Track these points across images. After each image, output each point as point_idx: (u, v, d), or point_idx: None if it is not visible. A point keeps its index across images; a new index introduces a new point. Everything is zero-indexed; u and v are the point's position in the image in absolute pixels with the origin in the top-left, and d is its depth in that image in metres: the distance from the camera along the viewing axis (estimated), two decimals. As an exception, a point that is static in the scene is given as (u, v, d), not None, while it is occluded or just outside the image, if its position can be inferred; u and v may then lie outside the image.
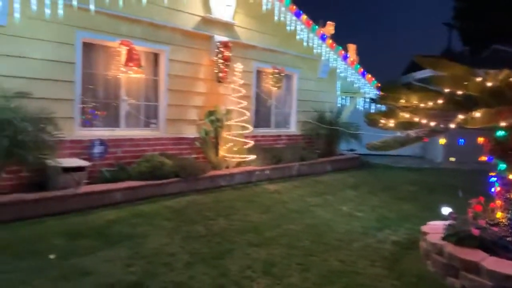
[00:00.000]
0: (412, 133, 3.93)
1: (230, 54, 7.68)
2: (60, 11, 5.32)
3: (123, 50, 6.37)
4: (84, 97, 6.24)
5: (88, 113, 6.39)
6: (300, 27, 8.82)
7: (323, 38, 9.50)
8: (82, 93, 6.18)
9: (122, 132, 6.70)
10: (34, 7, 5.06)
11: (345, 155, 10.63)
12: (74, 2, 5.33)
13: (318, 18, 9.48)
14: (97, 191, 5.55)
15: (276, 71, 9.05)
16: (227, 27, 7.89)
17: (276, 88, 9.20)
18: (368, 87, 11.25)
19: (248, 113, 7.85)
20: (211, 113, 7.55)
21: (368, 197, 6.91)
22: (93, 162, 6.02)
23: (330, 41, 9.72)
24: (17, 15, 5.09)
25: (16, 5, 4.98)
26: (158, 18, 6.80)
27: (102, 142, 6.29)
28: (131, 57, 6.43)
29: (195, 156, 7.49)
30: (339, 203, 6.34)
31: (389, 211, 6.01)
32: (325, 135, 9.87)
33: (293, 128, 9.99)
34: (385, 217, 5.67)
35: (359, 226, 5.15)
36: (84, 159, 5.92)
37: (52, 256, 3.72)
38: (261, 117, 9.29)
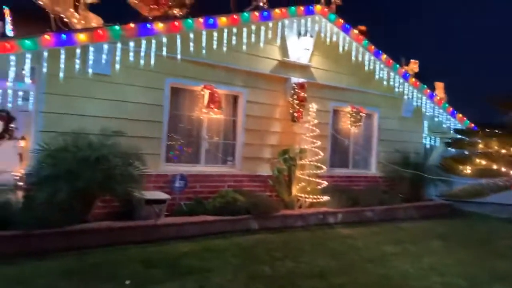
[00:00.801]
0: (499, 181, 3.51)
1: (306, 95, 7.82)
2: (152, 61, 6.06)
3: (206, 93, 6.93)
4: (170, 135, 6.86)
5: (173, 150, 6.98)
6: (379, 66, 8.65)
7: (405, 76, 9.16)
8: (168, 131, 6.81)
9: (201, 168, 7.13)
10: (131, 58, 5.88)
11: (433, 201, 9.73)
12: (164, 53, 6.03)
13: (408, 57, 9.22)
14: (174, 223, 5.91)
15: (354, 110, 8.91)
16: (303, 69, 8.11)
17: (354, 128, 9.01)
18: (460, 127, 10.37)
19: (321, 153, 7.77)
20: (285, 152, 7.66)
21: (456, 250, 6.18)
22: (173, 196, 6.47)
23: (414, 79, 9.32)
24: (117, 66, 5.95)
25: (117, 58, 5.82)
26: (237, 63, 7.30)
27: (183, 177, 6.73)
28: (212, 100, 6.96)
29: (268, 194, 7.59)
30: (420, 254, 5.78)
31: (480, 268, 5.28)
32: (409, 178, 9.20)
33: (373, 170, 9.56)
34: (474, 275, 4.99)
35: (440, 283, 4.61)
36: (167, 192, 6.39)
37: (127, 282, 4.03)
38: (338, 157, 9.10)
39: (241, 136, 7.55)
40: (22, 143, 8.97)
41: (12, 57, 5.11)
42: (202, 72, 6.93)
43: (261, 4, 7.68)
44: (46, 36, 5.22)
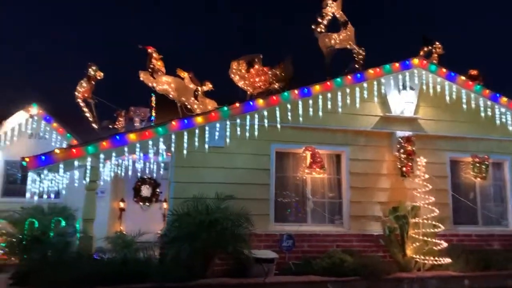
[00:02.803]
0: None
1: (414, 148, 7.53)
2: (256, 132, 6.89)
3: (307, 155, 7.34)
4: (277, 196, 7.38)
5: (280, 210, 7.44)
6: (500, 110, 7.82)
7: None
8: (276, 193, 7.34)
9: (308, 227, 7.36)
10: (238, 132, 6.83)
11: None
12: (265, 124, 6.82)
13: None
14: (280, 282, 6.18)
15: (477, 160, 8.06)
16: (408, 122, 7.90)
17: (480, 179, 8.09)
18: None
19: (437, 210, 7.17)
20: (395, 209, 7.33)
21: None
22: (283, 255, 6.80)
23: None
24: (229, 138, 6.94)
25: (227, 133, 6.88)
26: (336, 124, 7.60)
27: (291, 236, 7.03)
28: (314, 160, 7.32)
29: (380, 254, 7.26)
30: None
31: None
32: None
33: (511, 226, 8.23)
34: None
35: None
36: (276, 251, 6.76)
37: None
38: (463, 212, 8.18)
39: (347, 194, 7.59)
40: (165, 205, 10.68)
41: (150, 142, 6.53)
42: (303, 135, 7.43)
43: (356, 66, 8.01)
44: (173, 123, 6.58)
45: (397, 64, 7.75)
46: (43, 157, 5.96)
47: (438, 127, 8.09)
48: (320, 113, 7.32)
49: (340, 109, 7.47)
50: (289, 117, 7.11)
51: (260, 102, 6.97)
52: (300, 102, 7.21)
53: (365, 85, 7.64)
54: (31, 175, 6.13)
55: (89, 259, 6.06)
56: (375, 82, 7.75)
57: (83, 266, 5.58)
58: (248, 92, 8.38)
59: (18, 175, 9.33)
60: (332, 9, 7.94)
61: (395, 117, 7.83)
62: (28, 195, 6.21)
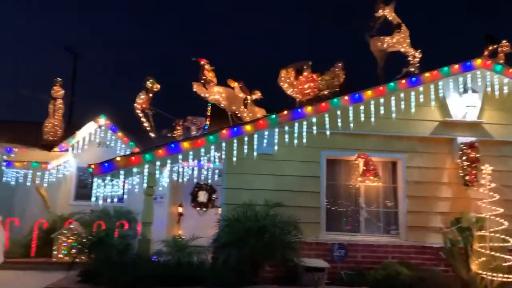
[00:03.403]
0: None
1: (478, 155, 6.98)
2: (304, 139, 6.87)
3: (360, 162, 7.13)
4: (328, 205, 7.26)
5: (332, 219, 7.30)
6: None
7: None
8: (327, 201, 7.22)
9: (361, 237, 7.13)
10: (286, 140, 6.87)
11: None
12: (314, 131, 6.76)
13: None
14: (331, 293, 6.05)
15: (557, 167, 7.24)
16: (471, 126, 7.34)
17: None
18: None
19: (506, 222, 6.53)
20: (458, 220, 6.81)
21: None
22: (334, 264, 6.66)
23: None
24: (278, 146, 6.99)
25: (275, 140, 6.95)
26: (391, 130, 7.30)
27: (343, 245, 6.87)
28: (368, 168, 7.08)
29: (441, 268, 6.79)
30: None
31: None
32: None
33: None
34: None
35: None
36: (328, 260, 6.64)
37: None
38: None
39: (403, 204, 7.24)
40: (220, 211, 11.00)
41: (202, 149, 6.81)
42: (354, 142, 7.24)
43: (412, 69, 7.64)
44: (224, 131, 6.80)
45: (456, 66, 7.26)
46: (106, 164, 6.48)
47: (506, 132, 7.41)
48: (373, 119, 7.09)
49: (394, 115, 7.18)
50: (339, 124, 6.98)
51: (309, 109, 6.94)
52: (350, 108, 7.05)
53: (421, 89, 7.26)
54: (96, 181, 6.67)
55: (147, 261, 6.42)
56: (431, 86, 7.33)
57: (141, 268, 5.95)
58: (297, 100, 8.37)
59: (89, 180, 10.20)
60: (385, 12, 7.68)
61: (456, 122, 7.33)
62: (93, 199, 6.75)
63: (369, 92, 7.07)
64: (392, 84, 7.18)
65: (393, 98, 7.20)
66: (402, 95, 7.20)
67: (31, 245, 8.51)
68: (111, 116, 10.75)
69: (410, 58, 7.74)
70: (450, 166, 7.31)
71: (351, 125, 7.02)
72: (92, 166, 6.49)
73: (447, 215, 7.10)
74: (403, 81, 7.19)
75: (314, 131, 6.98)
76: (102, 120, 10.65)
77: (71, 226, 8.40)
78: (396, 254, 6.92)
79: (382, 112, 7.17)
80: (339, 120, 7.00)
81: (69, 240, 8.26)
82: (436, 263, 6.87)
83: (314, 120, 6.97)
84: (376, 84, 7.31)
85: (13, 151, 10.00)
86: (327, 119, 7.02)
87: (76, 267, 6.34)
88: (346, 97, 7.03)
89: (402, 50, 7.75)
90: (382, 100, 7.15)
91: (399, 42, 7.67)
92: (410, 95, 7.25)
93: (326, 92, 8.16)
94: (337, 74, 8.24)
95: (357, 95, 7.02)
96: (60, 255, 8.25)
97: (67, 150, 10.39)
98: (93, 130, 10.68)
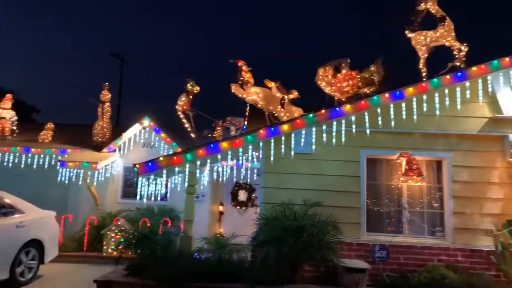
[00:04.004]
0: None
1: (533, 153, 6.53)
2: (343, 139, 6.77)
3: (403, 161, 6.91)
4: (369, 205, 7.10)
5: (373, 219, 7.14)
6: None
7: None
8: (367, 201, 7.06)
9: (404, 239, 6.90)
10: (324, 139, 6.79)
11: None
12: (353, 129, 6.64)
13: None
14: (372, 295, 5.92)
15: None
16: (526, 122, 6.87)
17: None
18: None
19: None
20: (510, 223, 6.44)
21: None
22: (374, 266, 6.51)
23: None
24: (317, 145, 6.95)
25: (313, 139, 6.91)
26: (435, 127, 7.01)
27: (384, 247, 6.70)
28: (410, 167, 6.84)
29: (492, 273, 6.43)
30: None
31: None
32: None
33: None
34: None
35: None
36: (369, 261, 6.51)
37: None
38: None
39: (449, 205, 6.92)
40: (259, 210, 11.11)
41: (240, 149, 6.92)
42: (396, 140, 7.03)
43: (457, 63, 7.28)
44: (261, 131, 6.86)
45: (507, 59, 6.82)
46: (150, 164, 6.78)
47: None
48: (415, 117, 6.84)
49: (438, 112, 6.89)
50: (380, 122, 6.81)
51: (348, 107, 6.83)
52: (391, 106, 6.85)
53: (467, 84, 6.91)
54: (141, 180, 7.00)
55: (189, 257, 6.63)
56: (479, 80, 6.95)
57: (183, 263, 6.14)
58: (336, 98, 8.24)
59: (134, 179, 10.70)
60: (427, 5, 7.36)
61: (507, 118, 6.89)
62: (138, 197, 7.09)
63: (410, 89, 6.83)
64: (435, 80, 6.88)
65: (436, 94, 6.90)
66: (446, 91, 6.89)
67: (83, 240, 9.08)
68: (154, 117, 11.21)
69: (455, 52, 7.37)
70: (501, 165, 6.89)
71: (392, 123, 6.82)
72: (137, 166, 6.81)
73: (498, 217, 6.72)
74: (448, 76, 6.87)
75: (353, 130, 6.86)
76: (146, 122, 11.13)
77: (119, 223, 8.86)
78: (442, 257, 6.64)
79: (425, 109, 6.90)
80: (379, 118, 6.83)
81: (117, 236, 8.72)
82: (486, 267, 6.51)
83: (353, 118, 6.86)
84: (418, 80, 7.06)
85: (66, 151, 10.73)
86: (366, 117, 6.87)
87: (123, 261, 6.67)
88: (386, 94, 6.83)
89: (446, 44, 7.39)
90: (425, 97, 6.88)
91: (443, 36, 7.32)
92: (455, 91, 6.91)
93: (365, 90, 7.98)
94: (376, 71, 8.01)
95: (398, 92, 6.80)
96: (109, 250, 8.73)
97: (114, 151, 10.97)
98: (138, 132, 11.20)
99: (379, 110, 6.84)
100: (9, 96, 12.39)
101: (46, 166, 10.62)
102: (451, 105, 6.95)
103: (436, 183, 7.17)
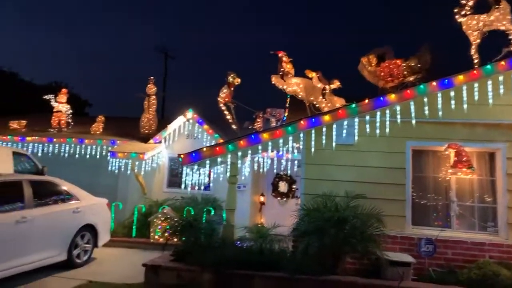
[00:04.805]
0: None
1: None
2: (387, 129, 6.58)
3: (451, 153, 6.62)
4: (414, 197, 6.87)
5: (419, 212, 6.91)
6: None
7: None
8: (413, 194, 6.84)
9: (452, 233, 6.62)
10: (367, 129, 6.65)
11: None
12: (398, 120, 6.43)
13: None
14: (416, 289, 5.77)
15: None
16: None
17: None
18: None
19: None
20: None
21: None
22: (420, 260, 6.33)
23: None
24: (359, 136, 6.82)
25: (356, 130, 6.79)
26: (487, 117, 6.60)
27: (430, 241, 6.47)
28: (459, 159, 6.54)
29: (552, 272, 6.01)
30: None
31: None
32: None
33: None
34: None
35: None
36: (414, 255, 6.33)
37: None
38: None
39: (504, 199, 6.53)
40: (299, 201, 11.12)
41: (280, 140, 6.95)
42: (444, 131, 6.72)
43: (512, 48, 6.79)
44: (301, 122, 6.84)
45: None
46: (193, 154, 7.01)
47: None
48: (465, 106, 6.49)
49: (491, 101, 6.49)
50: (426, 112, 6.54)
51: (392, 97, 6.61)
52: (439, 95, 6.55)
53: (525, 69, 6.44)
54: (185, 170, 7.25)
55: (231, 245, 6.81)
56: (540, 65, 6.45)
57: (226, 251, 6.34)
58: (380, 87, 7.99)
59: (179, 169, 11.10)
60: None
61: None
62: (183, 186, 7.35)
63: (460, 77, 6.47)
64: (488, 66, 6.47)
65: (489, 82, 6.49)
66: (501, 78, 6.46)
67: (132, 226, 9.59)
68: (198, 110, 11.50)
69: (511, 37, 6.87)
70: None
71: (440, 113, 6.52)
72: (182, 156, 7.06)
73: (559, 213, 6.25)
74: (503, 62, 6.43)
75: (398, 120, 6.65)
76: (190, 114, 11.45)
77: (165, 211, 9.25)
78: (494, 253, 6.31)
79: (476, 98, 6.53)
80: (426, 108, 6.56)
81: (163, 224, 9.12)
82: (544, 266, 6.10)
83: (398, 108, 6.63)
84: (466, 68, 6.68)
85: (116, 143, 11.31)
86: (412, 107, 6.63)
87: (169, 247, 6.99)
88: (434, 83, 6.53)
89: (501, 28, 6.89)
90: (476, 85, 6.50)
91: (497, 19, 6.83)
92: (511, 78, 6.47)
93: (411, 78, 7.66)
94: (423, 58, 7.66)
95: (447, 80, 6.47)
96: (156, 237, 9.16)
97: (160, 142, 11.41)
98: (182, 123, 11.55)
99: (425, 99, 6.57)
100: (64, 91, 13.23)
101: (98, 157, 11.27)
102: (505, 93, 6.52)
103: (488, 175, 6.79)
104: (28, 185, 6.26)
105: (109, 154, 10.63)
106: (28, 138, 11.68)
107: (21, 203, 6.01)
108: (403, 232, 6.60)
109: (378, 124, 6.71)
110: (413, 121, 6.59)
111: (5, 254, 5.55)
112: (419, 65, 7.68)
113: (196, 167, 7.16)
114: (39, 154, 11.25)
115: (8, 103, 18.78)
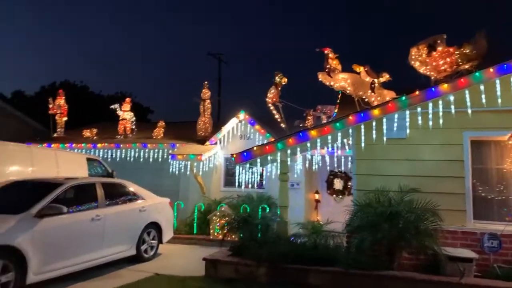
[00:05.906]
0: None
1: None
2: (441, 120, 6.35)
3: (515, 142, 6.23)
4: (475, 191, 6.55)
5: (481, 206, 6.57)
6: None
7: None
8: (473, 187, 6.53)
9: (519, 228, 6.23)
10: (419, 122, 6.48)
11: None
12: (452, 110, 6.18)
13: None
14: (481, 285, 5.52)
15: None
16: None
17: None
18: None
19: None
20: None
21: None
22: (483, 256, 6.04)
23: None
24: (411, 129, 6.67)
25: (407, 123, 6.64)
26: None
27: (495, 236, 6.14)
28: (525, 148, 6.15)
29: None
30: None
31: None
32: None
33: None
34: None
35: None
36: (475, 251, 6.06)
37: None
38: None
39: None
40: (352, 198, 10.97)
41: (329, 137, 7.01)
42: (505, 120, 6.33)
43: None
44: (350, 117, 6.83)
45: None
46: (245, 153, 7.32)
47: None
48: (528, 90, 6.05)
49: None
50: (483, 100, 6.21)
51: (445, 86, 6.36)
52: (497, 82, 6.19)
53: None
54: (238, 168, 7.59)
55: (286, 240, 7.01)
56: None
57: (281, 246, 6.55)
58: (432, 78, 7.67)
59: (234, 169, 11.54)
60: None
61: None
62: (237, 185, 7.70)
63: (523, 60, 6.07)
64: (554, 47, 6.00)
65: (557, 63, 6.02)
66: None
67: (193, 224, 10.17)
68: (249, 111, 11.86)
69: None
70: None
71: (499, 100, 6.15)
72: (234, 155, 7.42)
73: None
74: None
75: (453, 111, 6.39)
76: (242, 116, 11.83)
77: (222, 209, 9.69)
78: None
79: (541, 81, 6.08)
80: (483, 96, 6.23)
81: (221, 221, 9.56)
82: None
83: (451, 98, 6.38)
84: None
85: (175, 146, 12.06)
86: (467, 96, 6.34)
87: (227, 243, 7.37)
88: (491, 69, 6.17)
89: None
90: (541, 67, 6.05)
91: None
92: None
93: (466, 66, 7.27)
94: (478, 44, 7.23)
95: (506, 65, 6.08)
96: (215, 233, 9.63)
97: (216, 144, 11.94)
98: (235, 125, 11.96)
99: (482, 87, 6.24)
100: (128, 100, 14.33)
101: (160, 160, 12.09)
102: None
103: (562, 166, 6.27)
104: (100, 187, 6.98)
105: (169, 156, 11.35)
106: (99, 145, 12.87)
107: (95, 203, 6.72)
108: (464, 227, 6.34)
109: (430, 116, 6.51)
110: (469, 111, 6.28)
111: (84, 248, 6.28)
112: (474, 51, 7.27)
113: (248, 165, 7.46)
114: (109, 159, 12.33)
115: (81, 114, 20.65)
